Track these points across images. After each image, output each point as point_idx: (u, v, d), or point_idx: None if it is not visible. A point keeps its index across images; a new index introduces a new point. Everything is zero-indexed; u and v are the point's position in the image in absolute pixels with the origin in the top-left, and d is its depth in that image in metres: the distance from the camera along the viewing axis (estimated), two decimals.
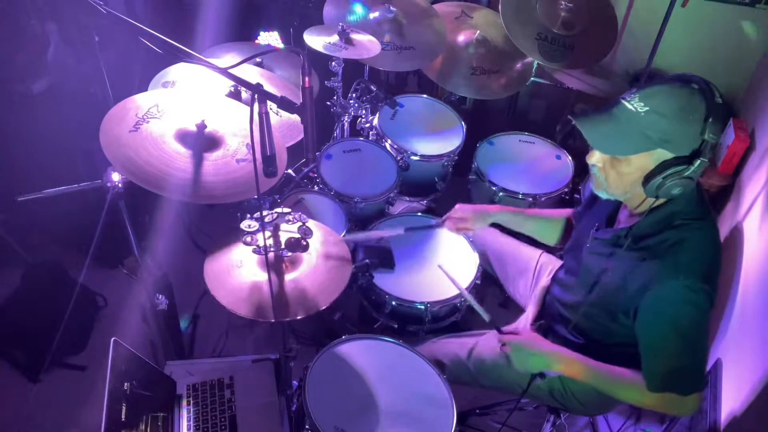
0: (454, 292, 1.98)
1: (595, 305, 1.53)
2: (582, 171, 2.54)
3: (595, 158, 1.42)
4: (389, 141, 2.51)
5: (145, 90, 2.02)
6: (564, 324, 1.67)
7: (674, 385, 1.39)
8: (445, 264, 1.98)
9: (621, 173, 1.38)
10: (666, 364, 1.39)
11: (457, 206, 1.96)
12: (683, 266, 1.35)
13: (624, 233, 1.46)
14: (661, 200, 1.40)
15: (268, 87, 1.41)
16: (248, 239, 1.48)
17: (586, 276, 1.57)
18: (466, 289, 2.00)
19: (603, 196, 1.49)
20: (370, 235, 2.05)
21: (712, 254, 1.39)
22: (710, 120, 1.26)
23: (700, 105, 1.27)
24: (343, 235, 2.10)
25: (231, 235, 1.60)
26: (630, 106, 1.32)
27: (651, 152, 1.32)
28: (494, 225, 1.97)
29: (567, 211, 1.91)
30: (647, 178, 1.34)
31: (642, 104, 1.31)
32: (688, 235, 1.37)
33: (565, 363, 1.52)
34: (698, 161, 1.28)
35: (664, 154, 1.31)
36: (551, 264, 1.97)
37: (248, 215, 1.51)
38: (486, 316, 1.65)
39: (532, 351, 1.54)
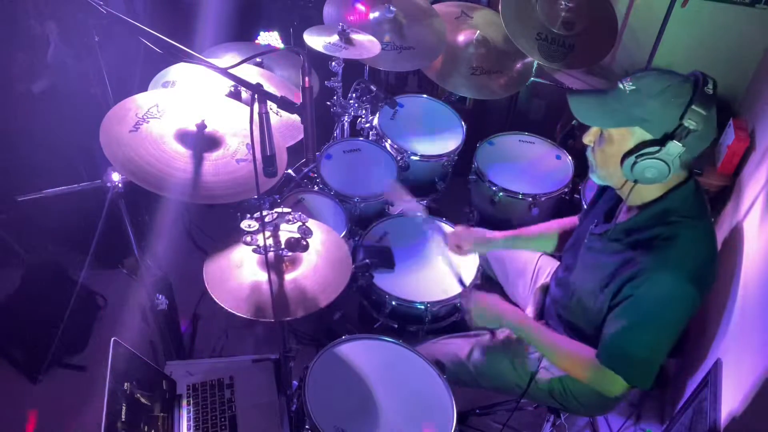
0: (454, 292, 1.98)
1: (586, 300, 1.54)
2: (582, 171, 2.54)
3: (588, 137, 1.46)
4: (389, 141, 2.51)
5: (145, 90, 2.03)
6: (560, 322, 1.67)
7: (624, 370, 1.42)
8: (445, 264, 2.00)
9: (604, 152, 1.42)
10: (628, 349, 1.41)
11: (457, 229, 2.03)
12: (672, 262, 1.35)
13: (617, 227, 1.48)
14: (657, 194, 1.41)
15: (268, 87, 1.41)
16: (248, 239, 1.48)
17: (581, 272, 1.59)
18: (469, 287, 2.01)
19: (594, 179, 1.52)
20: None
21: (703, 254, 1.39)
22: (693, 106, 1.26)
23: (686, 91, 1.29)
24: (342, 236, 2.10)
25: (231, 235, 1.60)
26: (621, 86, 1.36)
27: (632, 131, 1.34)
28: (494, 226, 1.98)
29: (566, 222, 1.91)
30: (624, 158, 1.36)
31: (631, 84, 1.34)
32: (681, 232, 1.37)
33: (515, 322, 1.64)
34: (670, 143, 1.29)
35: (643, 135, 1.33)
36: (550, 265, 1.98)
37: (248, 215, 1.51)
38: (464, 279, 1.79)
39: (488, 308, 1.67)
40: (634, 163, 1.33)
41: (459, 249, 2.01)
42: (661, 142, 1.30)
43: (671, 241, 1.37)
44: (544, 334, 1.60)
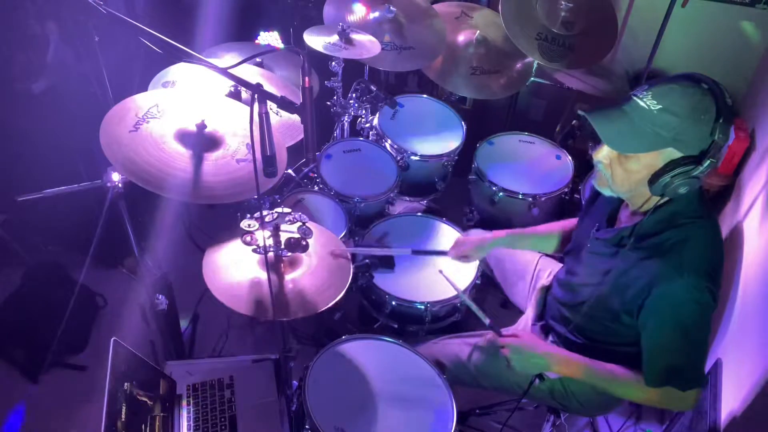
0: (454, 292, 1.98)
1: (597, 305, 1.53)
2: (582, 171, 2.54)
3: (602, 155, 1.42)
4: (389, 141, 2.51)
5: (145, 90, 2.02)
6: (564, 324, 1.67)
7: (674, 381, 1.40)
8: (446, 265, 1.99)
9: (628, 170, 1.38)
10: (667, 360, 1.40)
11: (459, 239, 1.99)
12: (687, 265, 1.35)
13: (627, 233, 1.46)
14: (664, 199, 1.40)
15: (268, 87, 1.41)
16: (248, 239, 1.48)
17: (588, 276, 1.58)
18: (467, 289, 2.00)
19: (606, 193, 1.49)
20: (374, 252, 2.03)
21: (714, 252, 1.40)
22: (720, 121, 1.26)
23: (711, 105, 1.27)
24: (342, 236, 2.10)
25: (231, 234, 1.60)
26: (642, 104, 1.32)
27: (660, 151, 1.32)
28: (495, 226, 1.97)
29: (567, 223, 1.90)
30: (655, 177, 1.33)
31: (655, 102, 1.30)
32: (691, 233, 1.37)
33: (564, 364, 1.54)
34: (707, 161, 1.28)
35: (673, 153, 1.31)
36: (550, 267, 1.97)
37: (248, 215, 1.51)
38: (486, 320, 1.64)
39: (531, 353, 1.55)
40: (669, 182, 1.31)
41: (464, 258, 1.97)
42: (698, 160, 1.29)
43: (683, 244, 1.37)
44: (598, 367, 1.51)
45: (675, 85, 1.31)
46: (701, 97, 1.28)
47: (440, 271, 1.88)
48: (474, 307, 1.67)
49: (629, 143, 1.33)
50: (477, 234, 2.01)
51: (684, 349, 1.39)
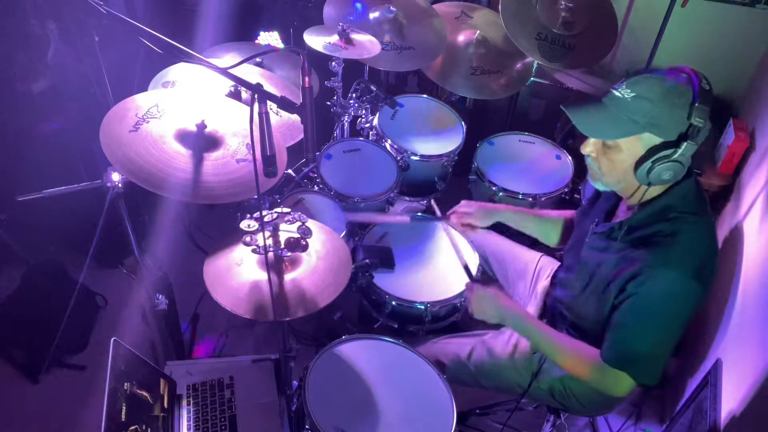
0: (455, 292, 1.98)
1: (590, 299, 1.54)
2: (582, 171, 2.54)
3: (588, 148, 1.45)
4: (389, 141, 2.51)
5: (145, 90, 2.03)
6: (563, 321, 1.67)
7: (631, 367, 1.42)
8: (445, 264, 1.99)
9: (613, 160, 1.41)
10: (633, 346, 1.41)
11: (463, 202, 1.98)
12: (673, 258, 1.36)
13: (618, 226, 1.48)
14: (657, 192, 1.41)
15: (268, 87, 1.41)
16: (248, 239, 1.48)
17: (584, 272, 1.58)
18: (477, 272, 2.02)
19: (599, 186, 1.51)
20: (375, 218, 2.04)
21: (705, 250, 1.40)
22: (696, 104, 1.28)
23: (686, 90, 1.29)
24: (342, 236, 2.10)
25: (231, 235, 1.60)
26: (618, 94, 1.37)
27: (639, 137, 1.34)
28: (495, 227, 1.97)
29: (567, 212, 1.91)
30: (637, 164, 1.36)
31: (629, 90, 1.35)
32: (682, 228, 1.38)
33: (518, 320, 1.61)
34: (684, 144, 1.30)
35: (652, 139, 1.33)
36: (551, 266, 1.97)
37: (248, 215, 1.51)
38: (463, 261, 1.79)
39: (490, 302, 1.63)
40: (651, 168, 1.33)
41: (464, 221, 1.92)
42: (676, 143, 1.31)
43: (672, 238, 1.37)
44: (546, 333, 1.58)
45: (649, 74, 1.35)
46: (675, 83, 1.31)
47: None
48: (458, 251, 1.82)
49: (605, 130, 1.38)
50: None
51: (653, 341, 1.40)
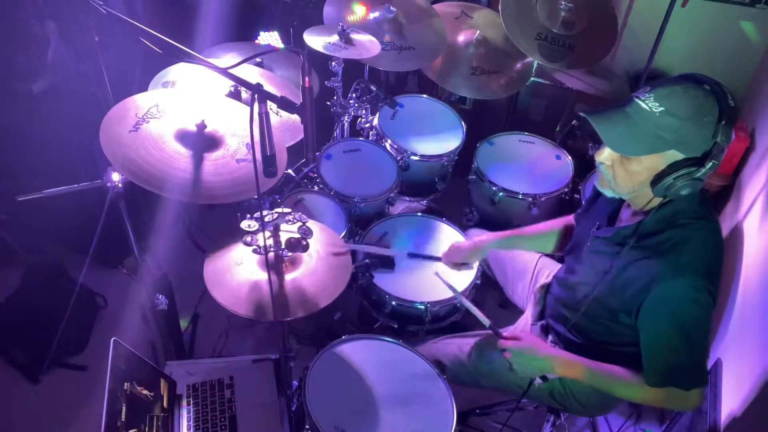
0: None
1: (597, 304, 1.53)
2: (582, 171, 2.54)
3: (603, 156, 1.42)
4: (389, 141, 2.51)
5: (145, 90, 2.03)
6: (564, 323, 1.67)
7: (675, 381, 1.41)
8: (444, 266, 1.99)
9: (630, 172, 1.37)
10: (668, 360, 1.40)
11: (452, 245, 2.00)
12: (687, 265, 1.35)
13: (629, 232, 1.46)
14: (665, 199, 1.40)
15: (268, 87, 1.41)
16: (248, 239, 1.48)
17: (588, 275, 1.57)
18: (466, 290, 2.00)
19: (608, 194, 1.48)
20: (372, 249, 2.04)
21: (715, 253, 1.40)
22: (723, 123, 1.26)
23: (713, 107, 1.27)
24: (342, 236, 2.10)
25: (231, 235, 1.60)
26: (645, 106, 1.31)
27: (663, 153, 1.32)
28: (494, 227, 1.97)
29: (563, 220, 1.91)
30: (657, 178, 1.33)
31: (657, 104, 1.30)
32: (692, 234, 1.38)
33: (566, 366, 1.54)
34: (710, 163, 1.28)
35: (675, 155, 1.31)
36: (549, 267, 1.97)
37: (248, 215, 1.51)
38: (485, 321, 1.63)
39: (533, 356, 1.54)
40: (672, 184, 1.31)
41: (459, 266, 1.99)
42: (700, 161, 1.29)
43: (684, 244, 1.37)
44: (600, 369, 1.51)
45: (677, 86, 1.30)
46: (704, 100, 1.27)
47: (436, 274, 1.88)
48: (473, 309, 1.66)
49: (631, 146, 1.33)
50: (475, 234, 2.01)
51: (684, 349, 1.39)
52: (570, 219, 1.88)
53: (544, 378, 1.59)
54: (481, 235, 2.00)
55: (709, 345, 1.43)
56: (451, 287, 1.78)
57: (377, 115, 2.61)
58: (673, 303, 1.37)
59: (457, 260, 1.99)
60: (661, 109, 1.29)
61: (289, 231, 1.52)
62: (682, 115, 1.27)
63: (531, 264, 2.01)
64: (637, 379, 1.46)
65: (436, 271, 1.92)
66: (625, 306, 1.45)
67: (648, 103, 1.31)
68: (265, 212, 1.47)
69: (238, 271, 1.55)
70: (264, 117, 1.31)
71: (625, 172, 1.38)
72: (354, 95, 2.53)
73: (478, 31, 2.74)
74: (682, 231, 1.38)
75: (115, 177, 1.60)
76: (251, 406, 1.70)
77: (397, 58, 2.51)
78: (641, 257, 1.42)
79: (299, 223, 1.52)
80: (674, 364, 1.40)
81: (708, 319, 1.38)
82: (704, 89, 1.28)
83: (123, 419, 1.40)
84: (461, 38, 2.77)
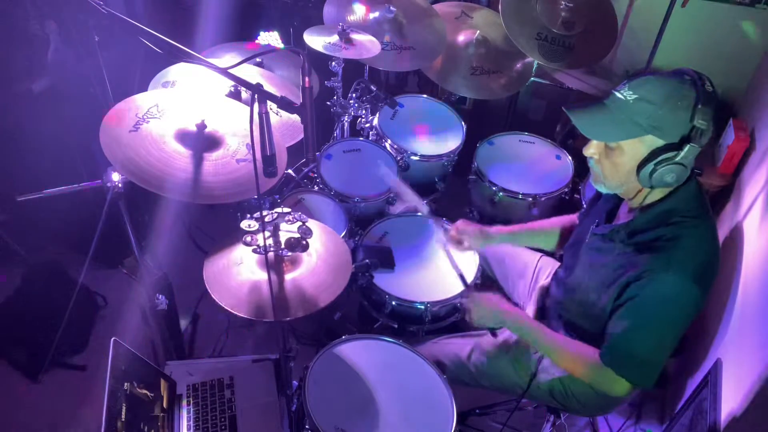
0: (454, 292, 1.98)
1: (587, 300, 1.54)
2: (582, 171, 2.54)
3: (591, 150, 1.45)
4: (389, 141, 2.51)
5: (145, 90, 2.03)
6: (561, 321, 1.68)
7: (628, 370, 1.43)
8: (445, 264, 1.99)
9: (615, 163, 1.40)
10: (633, 349, 1.41)
11: (461, 223, 1.99)
12: (675, 262, 1.36)
13: (620, 228, 1.48)
14: (659, 196, 1.41)
15: (268, 87, 1.41)
16: (248, 239, 1.48)
17: (582, 272, 1.58)
18: (476, 275, 2.03)
19: (602, 189, 1.50)
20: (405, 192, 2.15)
21: (706, 254, 1.39)
22: (699, 106, 1.27)
23: (689, 92, 1.29)
24: (342, 236, 2.10)
25: (231, 235, 1.60)
26: (620, 95, 1.36)
27: (642, 139, 1.34)
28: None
29: (568, 219, 1.91)
30: (639, 166, 1.36)
31: (631, 92, 1.34)
32: (684, 232, 1.38)
33: (518, 322, 1.63)
34: (687, 146, 1.30)
35: (655, 141, 1.33)
36: (550, 266, 1.98)
37: (248, 215, 1.51)
38: (458, 270, 1.81)
39: (490, 308, 1.65)
40: (653, 170, 1.33)
41: (459, 244, 1.98)
42: (678, 146, 1.31)
43: (674, 242, 1.37)
44: (546, 335, 1.59)
45: (651, 76, 1.34)
46: (678, 85, 1.30)
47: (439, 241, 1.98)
48: (456, 267, 1.82)
49: (606, 132, 1.38)
50: (478, 226, 2.00)
51: (651, 347, 1.41)
52: (573, 218, 1.88)
53: (493, 334, 1.74)
54: (487, 228, 2.00)
55: (672, 348, 1.43)
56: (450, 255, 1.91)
57: (377, 115, 2.61)
58: (656, 297, 1.37)
59: (458, 238, 1.98)
60: (635, 96, 1.33)
61: (289, 231, 1.52)
62: (655, 99, 1.30)
63: (532, 264, 2.02)
64: (587, 355, 1.49)
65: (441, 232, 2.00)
66: (612, 300, 1.46)
67: (623, 93, 1.36)
68: (265, 212, 1.47)
69: (238, 271, 1.55)
70: (264, 117, 1.31)
71: (611, 164, 1.41)
72: (354, 95, 2.54)
73: (478, 31, 2.74)
74: (675, 229, 1.39)
75: (115, 177, 1.60)
76: (251, 406, 1.70)
77: (397, 58, 2.51)
78: (632, 252, 1.43)
79: (299, 223, 1.52)
80: (635, 355, 1.41)
81: (688, 318, 1.39)
82: (680, 77, 1.31)
83: (123, 419, 1.40)
84: (461, 38, 2.77)
